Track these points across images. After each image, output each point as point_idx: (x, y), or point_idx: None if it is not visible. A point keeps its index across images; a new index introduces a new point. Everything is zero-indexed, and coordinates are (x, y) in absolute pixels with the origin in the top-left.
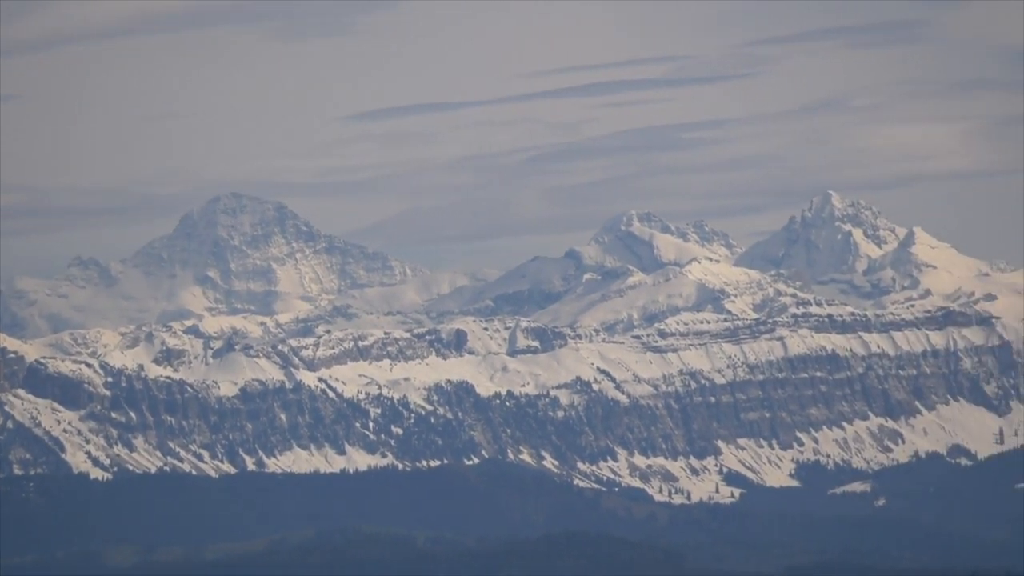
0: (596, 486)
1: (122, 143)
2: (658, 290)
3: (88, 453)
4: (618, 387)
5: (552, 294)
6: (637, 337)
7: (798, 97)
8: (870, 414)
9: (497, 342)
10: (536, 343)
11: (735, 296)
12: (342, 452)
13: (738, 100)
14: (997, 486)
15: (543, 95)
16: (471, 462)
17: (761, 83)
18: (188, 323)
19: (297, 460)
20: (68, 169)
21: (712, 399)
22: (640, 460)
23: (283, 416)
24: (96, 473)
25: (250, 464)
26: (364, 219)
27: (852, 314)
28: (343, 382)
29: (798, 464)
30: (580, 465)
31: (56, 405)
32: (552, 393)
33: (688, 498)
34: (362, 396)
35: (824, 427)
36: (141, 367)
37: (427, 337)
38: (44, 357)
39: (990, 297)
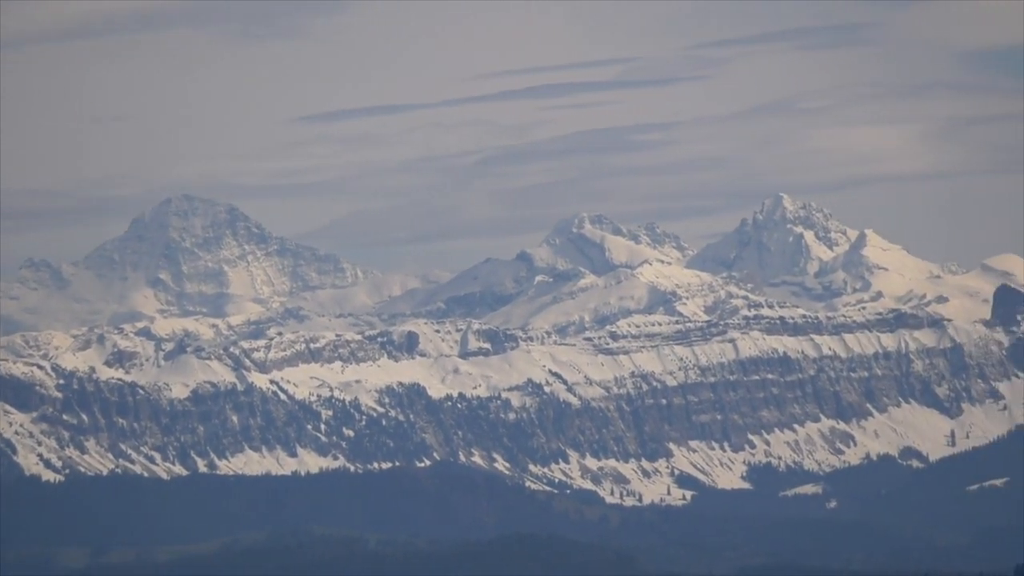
0: (548, 488)
1: (74, 145)
2: (610, 292)
3: (40, 455)
4: (570, 389)
5: (503, 296)
6: (589, 339)
7: (749, 99)
8: (822, 416)
9: (449, 344)
10: (488, 345)
11: (687, 298)
12: (294, 454)
13: (689, 102)
14: (948, 488)
15: (494, 97)
16: (423, 464)
17: (712, 85)
18: (140, 325)
19: (249, 462)
20: (20, 171)
21: (664, 401)
22: (592, 462)
23: (235, 418)
24: (48, 475)
25: (202, 466)
26: (315, 221)
27: (804, 316)
28: (295, 384)
29: (750, 466)
30: (532, 467)
31: (7, 407)
32: (504, 395)
33: (640, 500)
34: (314, 398)
35: (776, 429)
36: (93, 369)
37: (379, 339)
38: None
39: (941, 299)
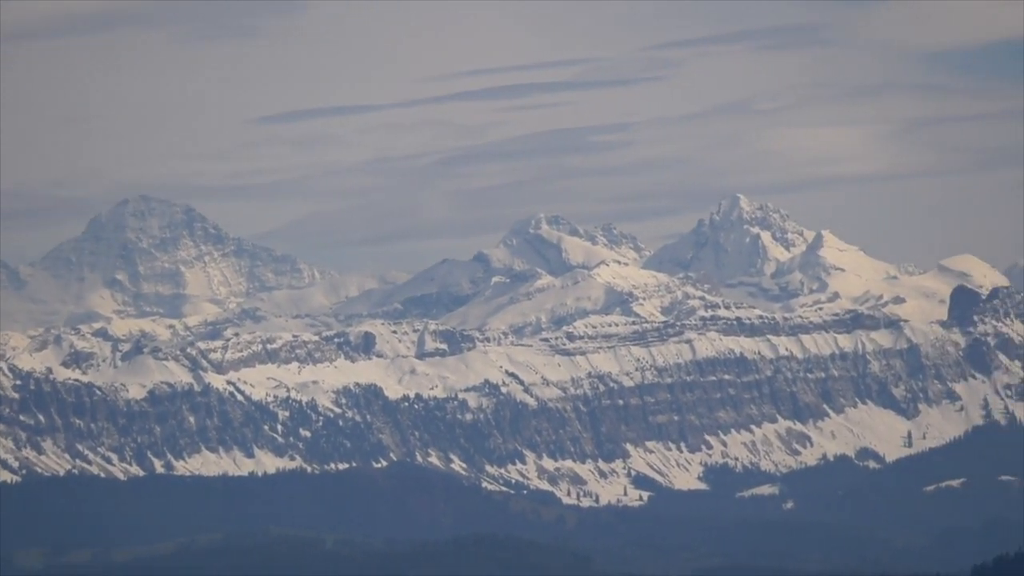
0: (504, 489)
1: (30, 146)
2: (566, 293)
3: None
4: (526, 390)
5: (460, 297)
6: (545, 340)
7: (706, 100)
8: (778, 417)
9: (406, 345)
10: (444, 346)
11: (643, 299)
12: (251, 455)
13: (645, 103)
14: (905, 489)
15: (451, 98)
16: (379, 465)
17: (668, 86)
18: (97, 326)
19: (206, 463)
20: None
21: (620, 402)
22: (548, 463)
23: (192, 419)
24: (4, 476)
25: (159, 467)
26: (272, 222)
27: (760, 317)
28: (251, 385)
29: (706, 467)
30: (488, 468)
31: None
32: (460, 396)
33: (596, 501)
34: (270, 399)
35: (732, 430)
36: (49, 370)
37: (335, 340)
38: None
39: (898, 300)
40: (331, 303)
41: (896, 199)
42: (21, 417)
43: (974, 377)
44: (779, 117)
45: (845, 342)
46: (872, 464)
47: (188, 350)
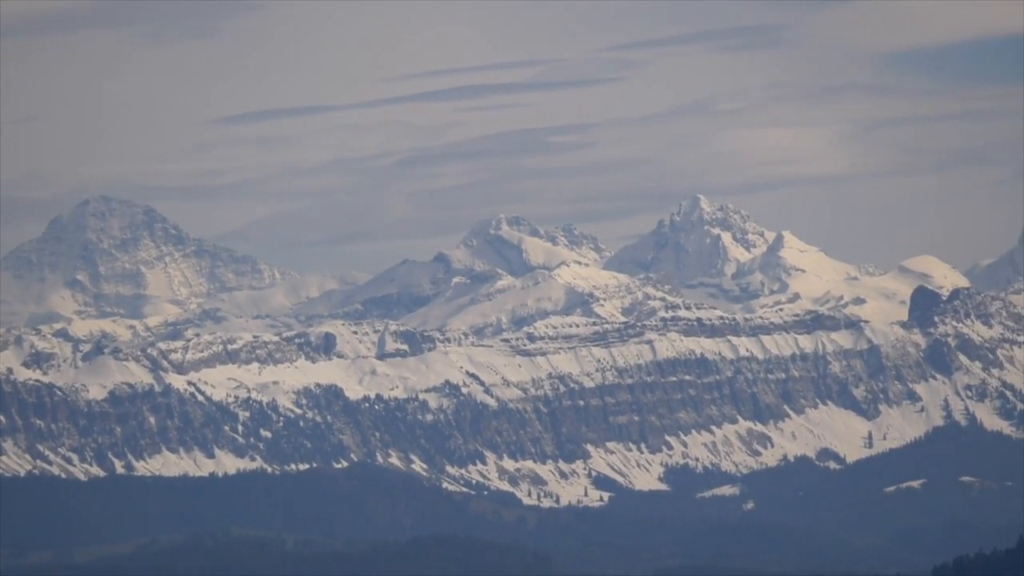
0: (465, 489)
1: None
2: (527, 294)
3: None
4: (487, 391)
5: (421, 298)
6: (506, 340)
7: (665, 101)
8: (739, 418)
9: (366, 345)
10: (405, 346)
11: (604, 300)
12: (211, 455)
13: (605, 104)
14: (866, 490)
15: (409, 99)
16: (340, 465)
17: (628, 87)
18: (57, 326)
19: (166, 463)
20: None
21: (581, 403)
22: (509, 463)
23: (152, 419)
24: None
25: (119, 467)
26: (233, 222)
27: (721, 318)
28: (212, 385)
29: (667, 468)
30: (449, 468)
31: None
32: (421, 396)
33: (557, 501)
34: (231, 399)
35: (693, 431)
36: (10, 370)
37: (296, 340)
38: None
39: (859, 301)
40: (292, 304)
41: (857, 200)
42: None
43: (934, 378)
44: (739, 118)
45: (806, 343)
46: (832, 465)
47: (149, 351)
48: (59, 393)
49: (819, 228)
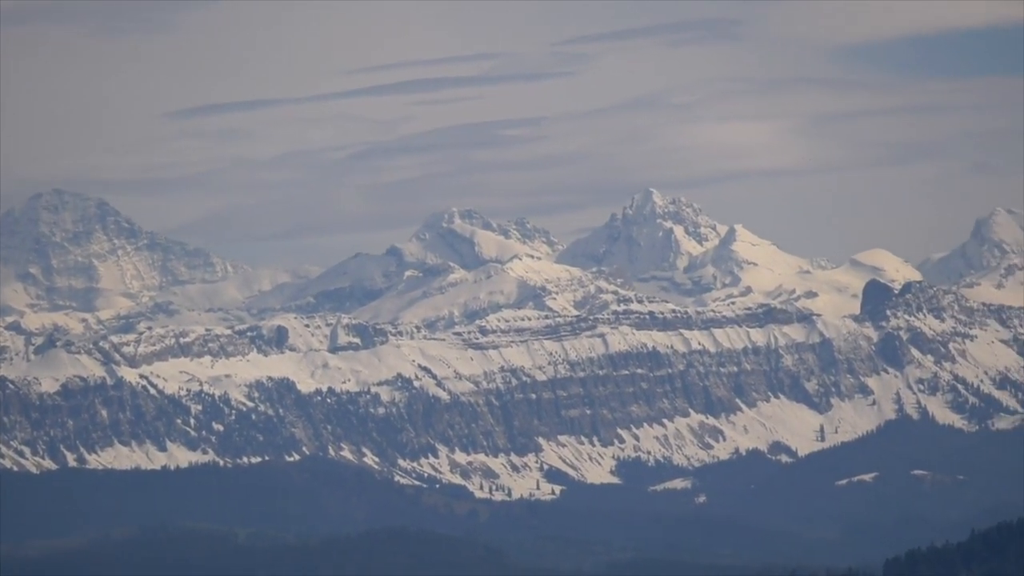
0: (417, 483)
1: None
2: (479, 287)
3: None
4: (439, 384)
5: (373, 291)
6: (458, 334)
7: (618, 94)
8: (691, 411)
9: (318, 339)
10: (357, 340)
11: (556, 293)
12: (163, 449)
13: (557, 98)
14: (818, 483)
15: (361, 92)
16: (292, 459)
17: (580, 81)
18: (9, 320)
19: (118, 457)
20: None
21: (533, 396)
22: (461, 457)
23: (104, 412)
24: None
25: (71, 461)
26: (185, 216)
27: (673, 311)
28: (164, 379)
29: (619, 461)
30: (401, 462)
31: None
32: (373, 390)
33: (509, 495)
34: (183, 393)
35: (645, 424)
36: None
37: (248, 334)
38: None
39: (811, 294)
40: (244, 297)
41: (809, 193)
42: None
43: (886, 371)
44: (692, 112)
45: (758, 336)
46: (784, 458)
47: (101, 344)
48: (11, 386)
49: (771, 222)
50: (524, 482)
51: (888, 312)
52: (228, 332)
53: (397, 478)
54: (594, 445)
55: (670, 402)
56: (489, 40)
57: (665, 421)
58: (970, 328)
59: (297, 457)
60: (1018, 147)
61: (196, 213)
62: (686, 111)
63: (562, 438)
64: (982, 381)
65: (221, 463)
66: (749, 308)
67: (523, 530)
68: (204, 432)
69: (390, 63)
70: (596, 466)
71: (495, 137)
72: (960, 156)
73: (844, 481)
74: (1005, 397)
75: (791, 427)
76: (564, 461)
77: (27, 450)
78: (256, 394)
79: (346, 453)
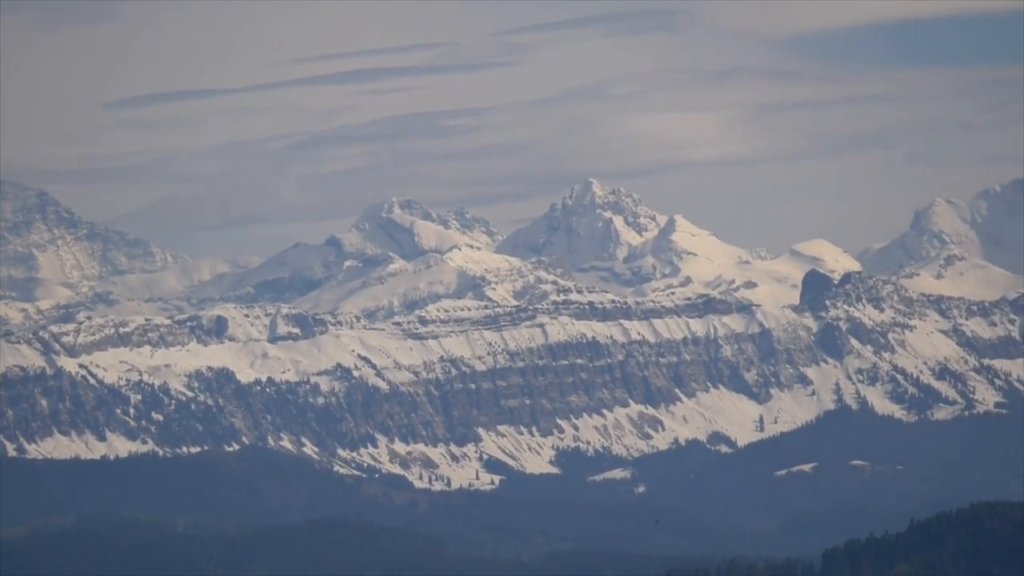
0: (356, 472)
1: None
2: (419, 277)
3: None
4: (379, 374)
5: (313, 281)
6: (398, 324)
7: (557, 85)
8: (630, 401)
9: (258, 329)
10: (297, 330)
11: (496, 283)
12: (103, 438)
13: (497, 88)
14: (757, 473)
15: (301, 82)
16: (231, 448)
17: (520, 71)
18: None
19: (58, 446)
20: None
21: (472, 386)
22: (400, 447)
23: (44, 402)
24: None
25: (11, 450)
26: (125, 206)
27: (613, 301)
28: (104, 368)
29: (558, 451)
30: (340, 452)
31: None
32: (312, 380)
33: (448, 485)
34: (123, 382)
35: (584, 414)
36: None
37: (188, 323)
38: None
39: (750, 285)
40: (184, 287)
41: (748, 184)
42: None
43: (826, 362)
44: (632, 102)
45: (697, 326)
46: (724, 448)
47: (40, 333)
48: None
49: (711, 212)
50: (464, 472)
51: (827, 302)
52: (168, 322)
53: (336, 468)
54: (533, 435)
55: (609, 392)
56: (429, 31)
57: (604, 411)
58: (909, 319)
59: (236, 447)
60: (958, 138)
61: (136, 203)
62: (626, 102)
63: (501, 428)
64: (921, 371)
65: (161, 453)
66: (689, 298)
67: (463, 520)
68: (144, 422)
69: (330, 53)
70: (536, 456)
71: (435, 127)
72: (900, 147)
73: (783, 471)
74: (944, 387)
75: (730, 417)
76: (503, 451)
77: None
78: (196, 384)
79: (286, 443)
